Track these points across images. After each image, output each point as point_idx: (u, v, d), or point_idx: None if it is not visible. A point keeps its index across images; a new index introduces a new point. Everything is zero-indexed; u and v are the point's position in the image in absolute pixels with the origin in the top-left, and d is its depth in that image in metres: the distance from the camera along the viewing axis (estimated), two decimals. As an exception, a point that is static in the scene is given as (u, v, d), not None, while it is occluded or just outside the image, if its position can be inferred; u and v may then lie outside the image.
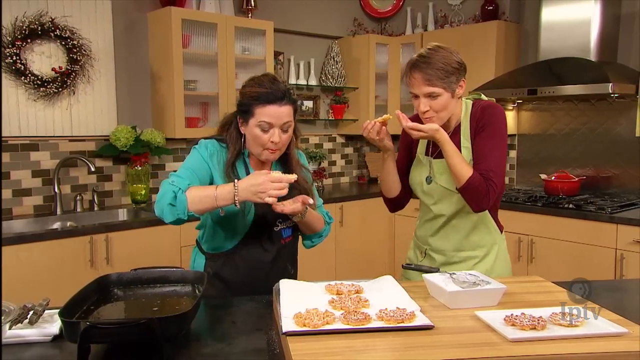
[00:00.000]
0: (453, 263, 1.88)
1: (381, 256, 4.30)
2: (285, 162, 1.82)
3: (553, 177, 3.67)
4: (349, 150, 4.93)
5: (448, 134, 1.85)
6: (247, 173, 1.75)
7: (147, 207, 3.45)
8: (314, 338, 1.19)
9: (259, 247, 1.78)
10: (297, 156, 1.85)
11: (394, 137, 1.84)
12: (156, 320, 1.14)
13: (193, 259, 1.90)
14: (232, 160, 1.74)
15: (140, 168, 3.41)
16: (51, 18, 3.13)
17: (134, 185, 3.43)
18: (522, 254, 3.44)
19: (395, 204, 2.03)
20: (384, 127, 1.78)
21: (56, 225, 3.13)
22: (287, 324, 1.24)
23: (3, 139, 3.04)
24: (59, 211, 3.20)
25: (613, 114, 3.68)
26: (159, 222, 3.07)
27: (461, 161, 1.72)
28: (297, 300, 1.38)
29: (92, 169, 3.18)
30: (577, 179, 3.63)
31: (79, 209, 3.28)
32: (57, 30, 3.14)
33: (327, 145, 4.76)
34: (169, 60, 3.43)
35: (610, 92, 3.13)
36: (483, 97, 1.88)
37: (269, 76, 1.72)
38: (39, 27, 3.08)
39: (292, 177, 1.58)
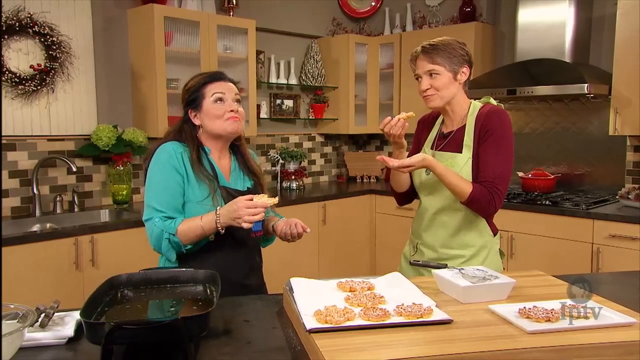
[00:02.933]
0: (441, 260, 1.90)
1: (363, 254, 4.34)
2: (238, 154, 1.91)
3: (530, 175, 3.78)
4: (328, 149, 4.95)
5: (452, 131, 1.89)
6: (213, 169, 1.80)
7: (129, 207, 3.39)
8: (337, 334, 1.20)
9: (233, 243, 1.78)
10: (247, 146, 1.95)
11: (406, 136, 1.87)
12: (181, 320, 1.13)
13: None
14: (196, 156, 1.76)
15: (122, 168, 3.35)
16: (29, 14, 3.04)
17: (116, 186, 3.37)
18: (502, 249, 3.52)
19: (403, 198, 2.07)
20: (406, 124, 1.80)
21: (35, 227, 3.03)
22: (309, 321, 1.24)
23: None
24: (38, 213, 3.11)
25: (586, 114, 3.81)
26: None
27: (456, 178, 1.77)
28: (313, 298, 1.39)
29: (74, 169, 3.10)
30: (552, 176, 3.74)
31: (58, 210, 3.20)
32: (36, 27, 3.05)
33: (307, 145, 4.77)
34: (150, 58, 3.37)
35: (586, 92, 3.24)
36: (492, 101, 1.92)
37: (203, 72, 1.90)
38: (17, 23, 2.99)
39: (271, 201, 1.64)
